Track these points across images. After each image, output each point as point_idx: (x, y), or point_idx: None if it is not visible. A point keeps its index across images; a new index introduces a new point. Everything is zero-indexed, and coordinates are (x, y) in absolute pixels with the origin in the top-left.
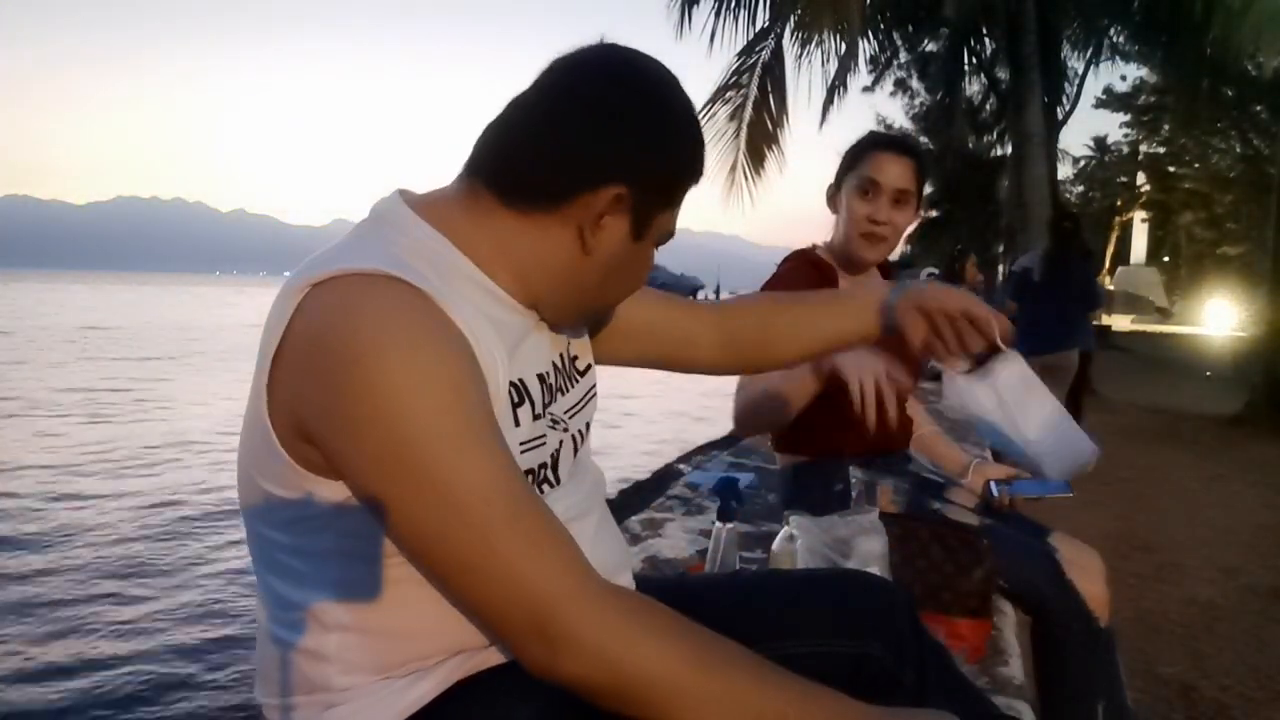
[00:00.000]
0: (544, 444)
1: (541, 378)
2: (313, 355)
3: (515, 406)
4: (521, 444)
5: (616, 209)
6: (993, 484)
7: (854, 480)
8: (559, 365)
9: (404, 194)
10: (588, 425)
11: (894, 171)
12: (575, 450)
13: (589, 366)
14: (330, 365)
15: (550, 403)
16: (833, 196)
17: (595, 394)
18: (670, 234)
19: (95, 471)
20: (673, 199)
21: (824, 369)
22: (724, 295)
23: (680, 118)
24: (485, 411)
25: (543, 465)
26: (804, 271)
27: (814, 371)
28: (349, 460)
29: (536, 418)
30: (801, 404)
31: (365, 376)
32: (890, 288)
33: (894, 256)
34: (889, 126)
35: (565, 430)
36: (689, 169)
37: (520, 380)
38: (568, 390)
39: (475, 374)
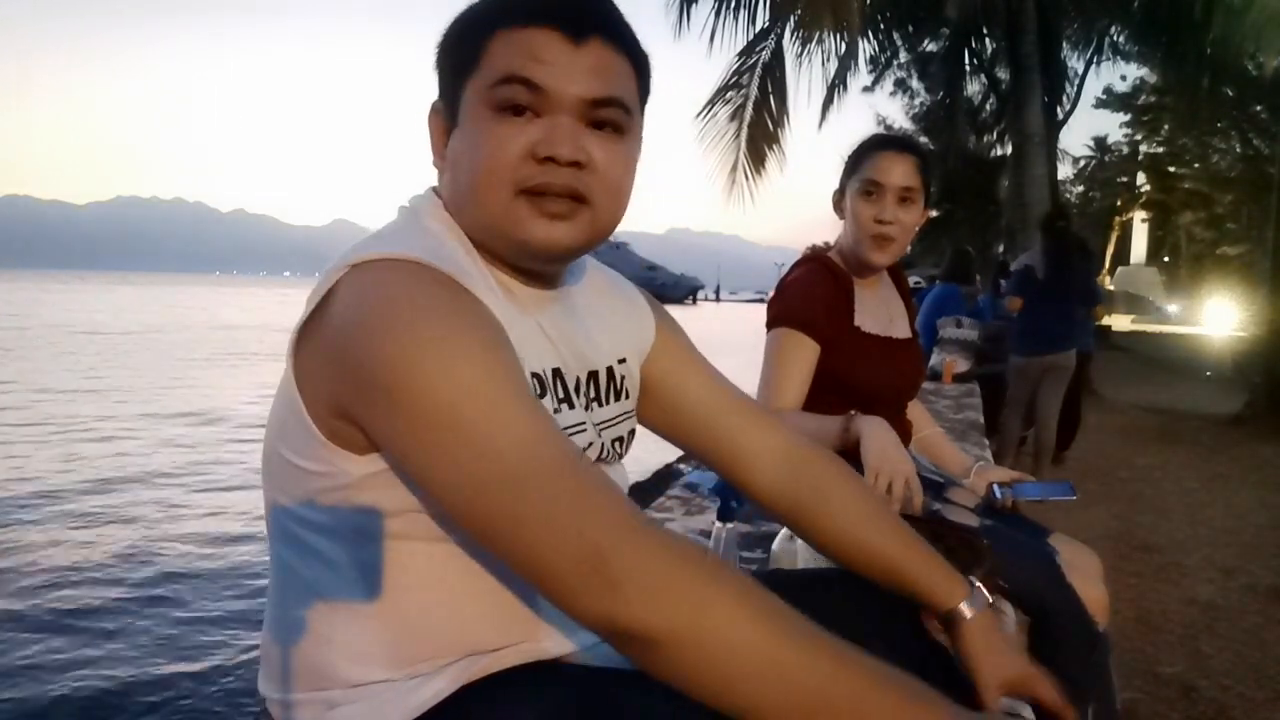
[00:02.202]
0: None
1: (557, 372)
2: (347, 331)
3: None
4: None
5: (438, 119)
6: (995, 486)
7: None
8: (597, 376)
9: (435, 188)
10: (620, 442)
11: (897, 170)
12: (600, 457)
13: (630, 395)
14: (365, 339)
15: (582, 405)
16: (838, 202)
17: (632, 426)
18: (507, 77)
19: (109, 470)
20: (459, 63)
21: (850, 438)
22: (724, 295)
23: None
24: (517, 373)
25: None
26: (820, 277)
27: (840, 437)
28: (387, 431)
29: (555, 412)
30: None
31: (399, 346)
32: (973, 594)
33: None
34: (889, 126)
35: (599, 436)
36: (465, 22)
37: (542, 371)
38: (605, 403)
39: (505, 341)
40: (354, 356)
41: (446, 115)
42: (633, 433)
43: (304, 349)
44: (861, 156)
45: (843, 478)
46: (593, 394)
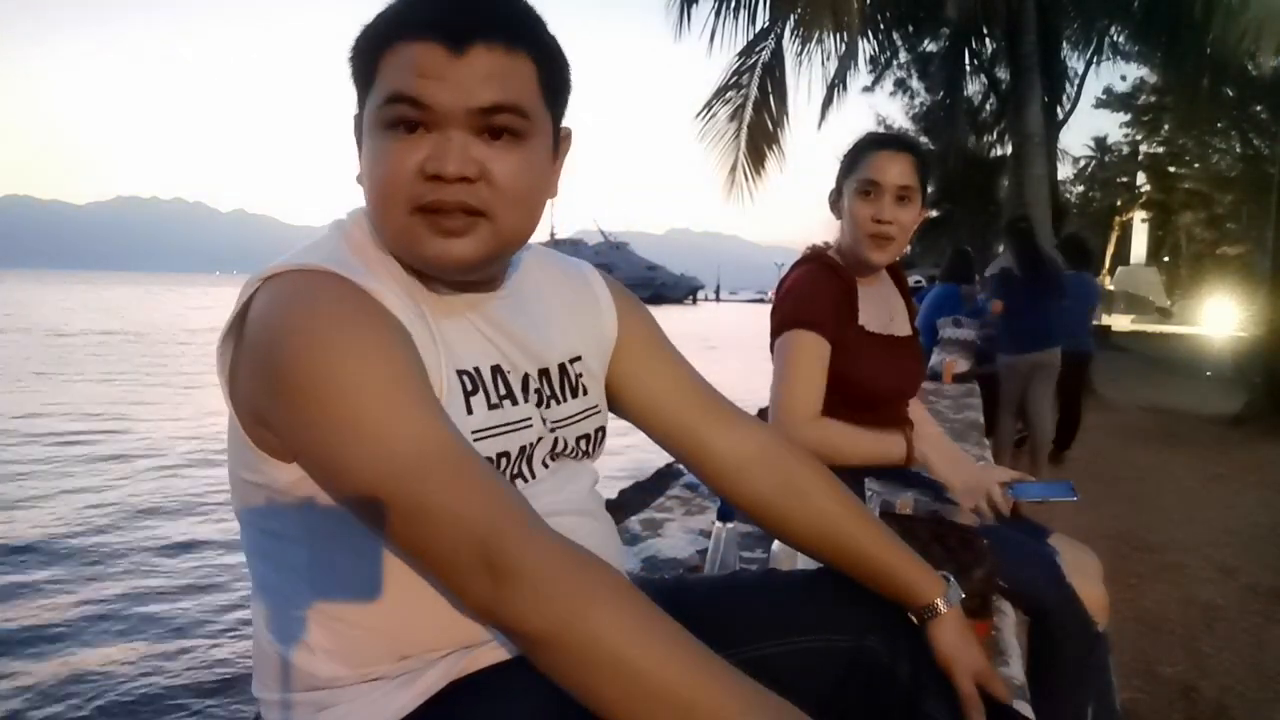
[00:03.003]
0: (507, 435)
1: (497, 369)
2: (257, 340)
3: (468, 395)
4: (475, 432)
5: (357, 135)
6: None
7: (870, 493)
8: (549, 373)
9: None
10: (587, 440)
11: (894, 169)
12: (558, 452)
13: (591, 392)
14: (268, 345)
15: (531, 401)
16: (835, 202)
17: (599, 424)
18: (393, 96)
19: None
20: (361, 80)
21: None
22: (724, 295)
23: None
24: (416, 373)
25: (503, 454)
26: (824, 276)
27: (907, 456)
28: (288, 429)
29: (494, 407)
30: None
31: (300, 349)
32: (948, 590)
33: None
34: (889, 126)
35: (551, 432)
36: (362, 39)
37: (474, 369)
38: (563, 400)
39: (405, 344)
40: (264, 363)
41: (358, 125)
42: (601, 430)
43: (232, 364)
44: (858, 156)
45: (818, 476)
46: (548, 391)
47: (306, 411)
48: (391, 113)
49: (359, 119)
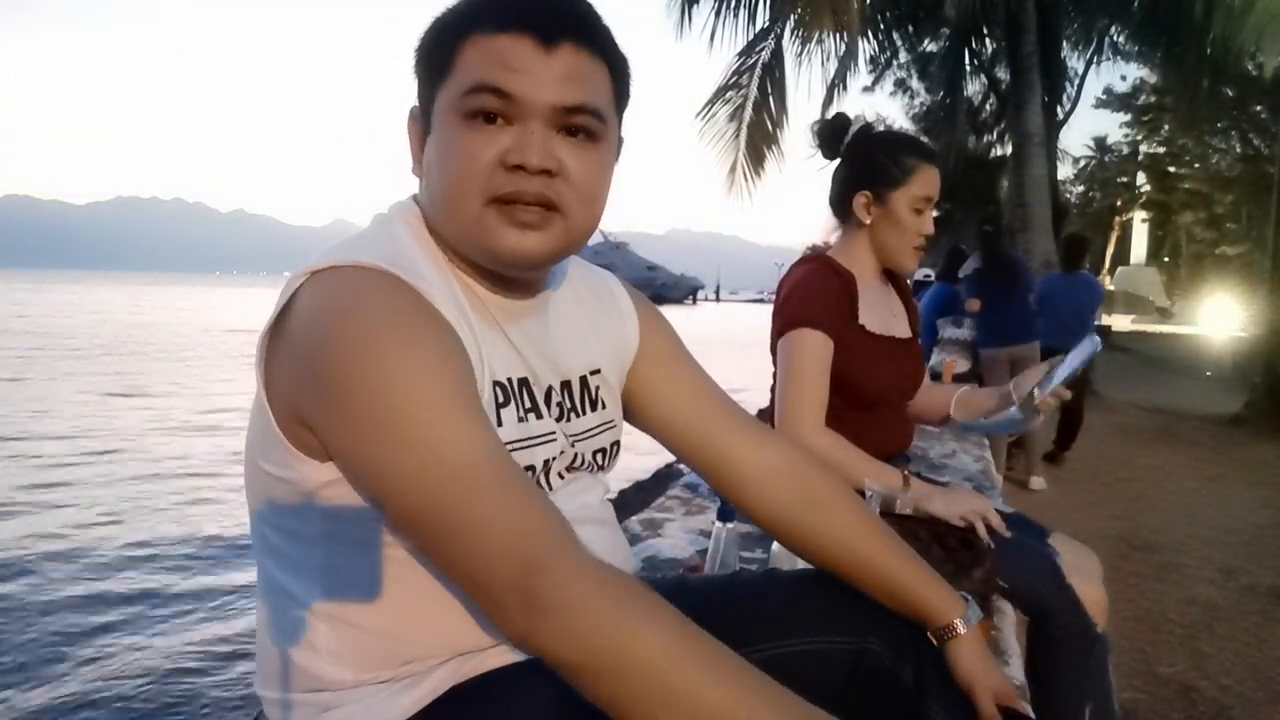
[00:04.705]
0: (532, 449)
1: (524, 382)
2: (304, 337)
3: (500, 407)
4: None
5: (415, 126)
6: (1035, 390)
7: (870, 493)
8: (570, 386)
9: (416, 195)
10: (603, 454)
11: (937, 183)
12: (575, 466)
13: (608, 406)
14: (320, 345)
15: (553, 415)
16: (867, 204)
17: (615, 438)
18: (476, 86)
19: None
20: (433, 70)
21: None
22: (724, 295)
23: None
24: (469, 385)
25: (528, 468)
26: (824, 276)
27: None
28: (334, 431)
29: (521, 421)
30: None
31: (352, 351)
32: (967, 611)
33: None
34: (889, 127)
35: (572, 447)
36: (438, 29)
37: (508, 380)
38: (582, 413)
39: (460, 353)
40: (310, 362)
41: (422, 122)
42: (616, 444)
43: (271, 356)
44: (909, 167)
45: (840, 493)
46: (568, 404)
47: (354, 415)
48: (472, 103)
49: (420, 111)
